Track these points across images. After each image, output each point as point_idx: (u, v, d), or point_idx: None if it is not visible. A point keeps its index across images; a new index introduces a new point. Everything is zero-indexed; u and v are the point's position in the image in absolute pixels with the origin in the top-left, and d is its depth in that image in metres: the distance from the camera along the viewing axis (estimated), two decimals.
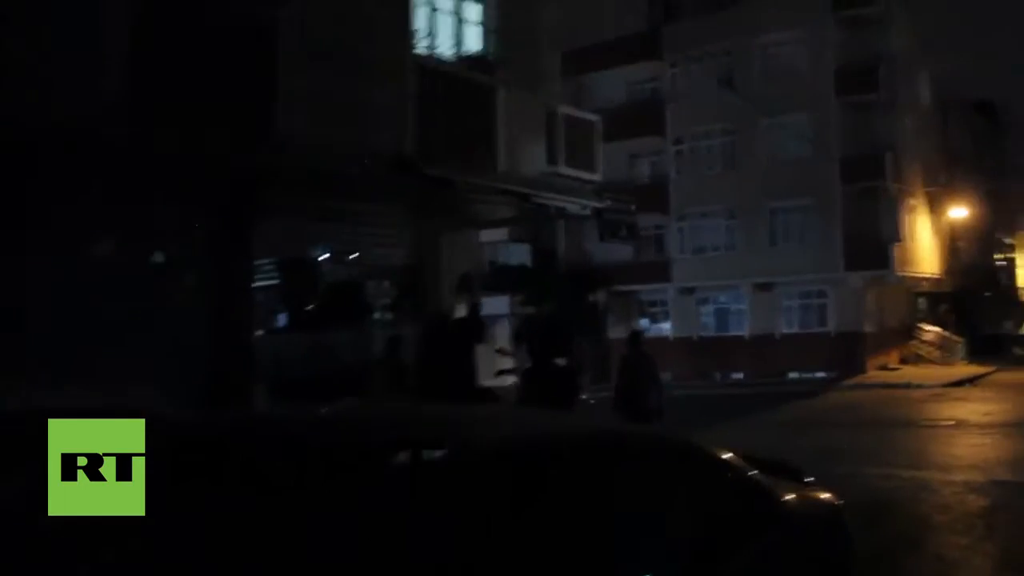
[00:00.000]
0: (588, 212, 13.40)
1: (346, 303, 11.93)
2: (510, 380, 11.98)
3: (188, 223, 10.01)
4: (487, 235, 41.03)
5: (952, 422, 17.94)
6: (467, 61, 11.96)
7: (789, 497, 3.87)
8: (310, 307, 11.59)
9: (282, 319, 11.28)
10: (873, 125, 32.44)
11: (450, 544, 2.35)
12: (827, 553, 4.06)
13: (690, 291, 35.93)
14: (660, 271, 36.23)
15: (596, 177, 13.40)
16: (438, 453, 2.78)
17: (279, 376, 10.69)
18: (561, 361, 11.18)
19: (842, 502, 4.37)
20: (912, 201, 35.45)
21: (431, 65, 10.86)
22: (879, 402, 23.12)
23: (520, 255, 42.79)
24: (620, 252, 36.55)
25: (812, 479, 4.48)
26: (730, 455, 3.73)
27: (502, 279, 39.58)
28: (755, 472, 3.73)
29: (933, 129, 39.67)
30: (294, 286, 11.44)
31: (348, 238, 12.03)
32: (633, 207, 14.43)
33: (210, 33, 8.67)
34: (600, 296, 36.97)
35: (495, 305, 39.39)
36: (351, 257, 12.11)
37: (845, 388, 28.31)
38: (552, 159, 12.59)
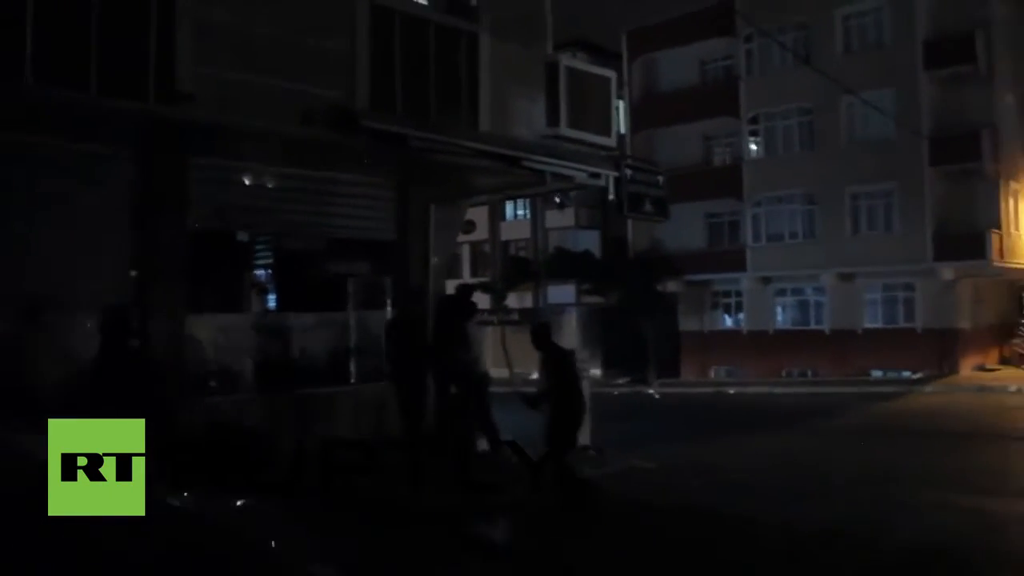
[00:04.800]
0: (602, 182, 11.51)
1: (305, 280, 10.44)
2: None
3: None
4: (552, 220, 39.78)
5: None
6: (443, 2, 10.18)
7: None
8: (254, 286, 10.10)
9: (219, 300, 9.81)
10: (968, 101, 29.33)
11: None
12: None
13: (766, 281, 33.73)
14: (734, 259, 34.15)
15: (609, 142, 11.50)
16: None
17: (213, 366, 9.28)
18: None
19: None
20: (1014, 185, 32.06)
21: (391, 5, 9.15)
22: (967, 408, 20.69)
23: (589, 242, 40.92)
24: (693, 240, 34.52)
25: None
26: None
27: (565, 266, 37.89)
28: None
29: None
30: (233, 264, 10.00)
31: (312, 210, 10.48)
32: (660, 177, 12.41)
33: None
34: (671, 286, 35.03)
35: (560, 294, 37.85)
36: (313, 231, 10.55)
37: (931, 391, 25.86)
38: (553, 120, 10.77)
